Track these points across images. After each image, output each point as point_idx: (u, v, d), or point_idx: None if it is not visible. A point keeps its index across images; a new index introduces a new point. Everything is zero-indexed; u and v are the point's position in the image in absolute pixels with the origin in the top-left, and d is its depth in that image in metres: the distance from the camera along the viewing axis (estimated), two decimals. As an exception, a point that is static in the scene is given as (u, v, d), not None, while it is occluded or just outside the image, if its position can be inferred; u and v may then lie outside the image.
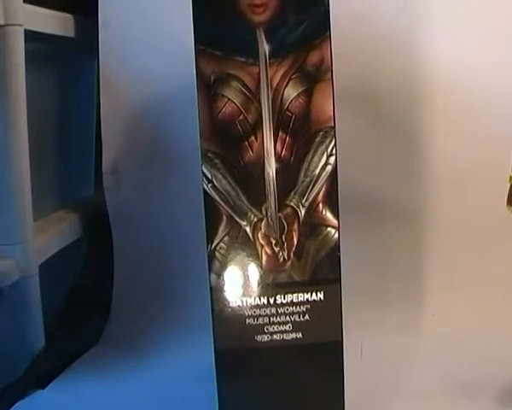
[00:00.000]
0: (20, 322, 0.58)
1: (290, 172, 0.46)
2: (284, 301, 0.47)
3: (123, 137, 0.66)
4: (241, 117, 0.45)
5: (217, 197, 0.46)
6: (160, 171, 0.65)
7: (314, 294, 0.47)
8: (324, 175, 0.46)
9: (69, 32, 0.63)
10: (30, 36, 0.56)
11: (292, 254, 0.46)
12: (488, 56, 0.63)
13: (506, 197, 0.52)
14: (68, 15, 0.64)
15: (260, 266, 0.46)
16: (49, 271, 0.60)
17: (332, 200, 0.46)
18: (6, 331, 0.57)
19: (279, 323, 0.47)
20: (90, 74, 0.69)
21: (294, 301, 0.47)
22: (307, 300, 0.47)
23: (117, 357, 0.61)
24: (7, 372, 0.57)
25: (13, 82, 0.55)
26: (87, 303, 0.67)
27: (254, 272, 0.46)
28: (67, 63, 0.67)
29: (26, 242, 0.57)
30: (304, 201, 0.46)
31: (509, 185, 0.52)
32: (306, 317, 0.47)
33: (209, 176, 0.45)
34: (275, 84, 0.45)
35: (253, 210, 0.46)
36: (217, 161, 0.45)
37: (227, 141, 0.45)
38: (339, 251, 0.46)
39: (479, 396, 0.55)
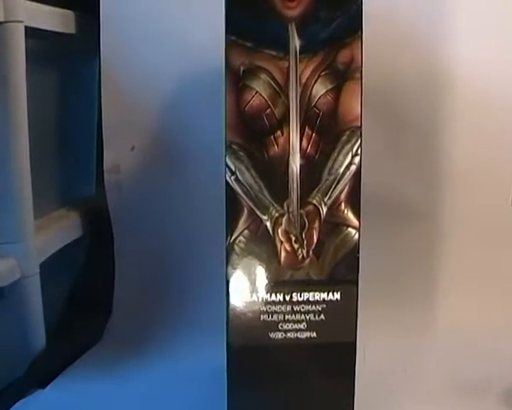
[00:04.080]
0: (21, 321, 0.57)
1: (314, 169, 0.46)
2: (300, 300, 0.47)
3: (124, 134, 0.66)
4: (268, 111, 0.45)
5: (239, 190, 0.45)
6: (162, 169, 0.65)
7: (331, 294, 0.47)
8: (348, 174, 0.46)
9: (70, 28, 0.63)
10: (30, 33, 0.55)
11: (311, 252, 0.46)
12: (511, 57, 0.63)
13: (511, 198, 0.53)
14: (69, 12, 0.63)
15: (278, 262, 0.46)
16: (50, 270, 0.60)
17: (354, 200, 0.46)
18: (6, 331, 0.56)
19: (294, 321, 0.47)
20: (91, 71, 0.68)
21: (311, 299, 0.47)
22: (323, 299, 0.47)
23: (119, 356, 0.61)
24: (7, 372, 0.56)
25: (13, 79, 0.54)
26: (88, 302, 0.66)
27: (272, 268, 0.46)
28: (68, 60, 0.67)
29: (26, 241, 0.57)
30: (326, 199, 0.46)
31: None
32: (322, 316, 0.47)
33: (233, 168, 0.45)
34: (304, 80, 0.45)
35: (275, 205, 0.45)
36: (241, 153, 0.45)
37: (252, 134, 0.45)
38: (358, 252, 0.46)
39: (486, 396, 0.55)
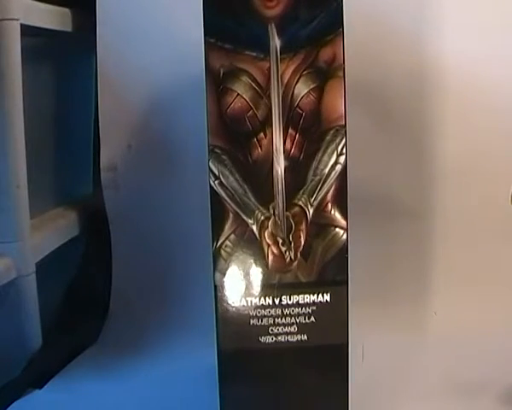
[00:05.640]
0: (17, 321, 0.57)
1: (299, 170, 0.45)
2: (290, 303, 0.46)
3: (121, 133, 0.65)
4: (250, 113, 0.44)
5: (223, 194, 0.45)
6: (159, 168, 0.65)
7: (320, 295, 0.46)
8: (334, 174, 0.45)
9: (66, 26, 0.63)
10: (26, 30, 0.55)
11: (299, 254, 0.45)
12: (499, 53, 0.62)
13: (510, 195, 0.52)
14: (65, 9, 0.63)
15: (266, 265, 0.46)
16: (47, 269, 0.59)
17: (341, 200, 0.45)
18: (3, 330, 0.56)
19: (284, 324, 0.46)
20: (88, 69, 0.68)
21: (300, 302, 0.46)
22: (313, 301, 0.46)
23: (115, 357, 0.61)
24: (4, 372, 0.56)
25: (9, 78, 0.54)
26: (85, 302, 0.66)
27: (260, 271, 0.46)
28: (65, 58, 0.66)
29: (22, 240, 0.56)
30: (312, 200, 0.45)
31: None
32: (312, 319, 0.46)
33: (216, 172, 0.45)
34: (285, 80, 0.44)
35: (261, 208, 0.45)
36: (224, 157, 0.45)
37: (235, 137, 0.45)
38: (347, 252, 0.46)
39: (481, 395, 0.55)
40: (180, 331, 0.62)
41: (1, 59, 0.53)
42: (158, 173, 0.65)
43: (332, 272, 0.46)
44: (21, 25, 0.54)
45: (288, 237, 0.45)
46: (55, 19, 0.61)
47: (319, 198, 0.45)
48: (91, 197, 0.69)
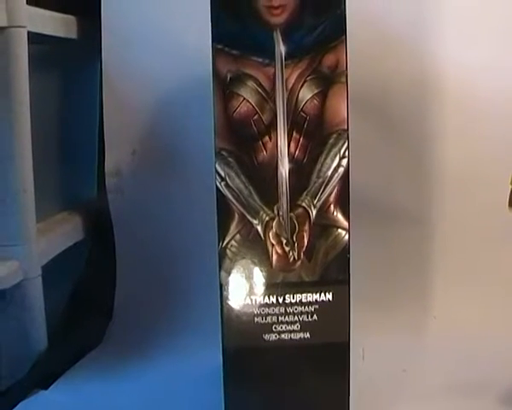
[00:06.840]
0: (23, 323, 0.58)
1: (303, 172, 0.46)
2: (293, 301, 0.47)
3: (126, 139, 0.66)
4: (255, 117, 0.45)
5: (229, 195, 0.46)
6: (163, 173, 0.66)
7: (323, 294, 0.47)
8: (336, 177, 0.46)
9: (72, 33, 0.64)
10: (33, 38, 0.56)
11: (302, 254, 0.46)
12: (498, 61, 0.64)
13: (508, 199, 0.53)
14: (71, 17, 0.64)
15: (270, 265, 0.47)
16: (52, 272, 0.60)
17: (343, 201, 0.46)
18: (9, 332, 0.57)
19: (287, 322, 0.47)
20: (93, 76, 0.69)
21: (303, 301, 0.47)
22: (316, 300, 0.47)
23: (120, 358, 0.61)
24: (10, 373, 0.56)
25: (16, 84, 0.55)
26: (90, 304, 0.67)
27: (264, 270, 0.47)
28: (70, 65, 0.67)
29: (28, 243, 0.57)
30: (315, 201, 0.46)
31: (510, 187, 0.52)
32: (314, 317, 0.47)
33: (222, 174, 0.46)
34: (290, 85, 0.45)
35: (265, 209, 0.46)
36: (230, 159, 0.46)
37: (241, 140, 0.46)
38: (348, 253, 0.47)
39: (481, 397, 0.55)
40: (184, 332, 0.63)
41: (9, 66, 0.54)
42: (162, 178, 0.66)
43: (334, 271, 0.47)
44: (28, 32, 0.55)
45: (291, 237, 0.46)
46: (60, 26, 0.62)
47: (322, 200, 0.46)
48: (96, 202, 0.69)
